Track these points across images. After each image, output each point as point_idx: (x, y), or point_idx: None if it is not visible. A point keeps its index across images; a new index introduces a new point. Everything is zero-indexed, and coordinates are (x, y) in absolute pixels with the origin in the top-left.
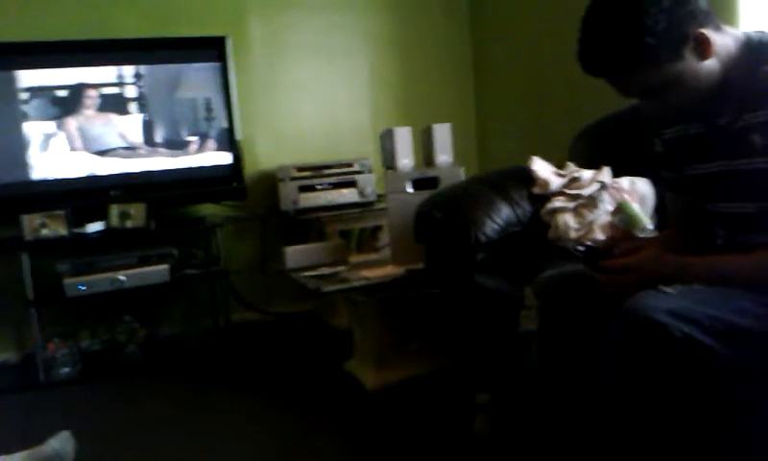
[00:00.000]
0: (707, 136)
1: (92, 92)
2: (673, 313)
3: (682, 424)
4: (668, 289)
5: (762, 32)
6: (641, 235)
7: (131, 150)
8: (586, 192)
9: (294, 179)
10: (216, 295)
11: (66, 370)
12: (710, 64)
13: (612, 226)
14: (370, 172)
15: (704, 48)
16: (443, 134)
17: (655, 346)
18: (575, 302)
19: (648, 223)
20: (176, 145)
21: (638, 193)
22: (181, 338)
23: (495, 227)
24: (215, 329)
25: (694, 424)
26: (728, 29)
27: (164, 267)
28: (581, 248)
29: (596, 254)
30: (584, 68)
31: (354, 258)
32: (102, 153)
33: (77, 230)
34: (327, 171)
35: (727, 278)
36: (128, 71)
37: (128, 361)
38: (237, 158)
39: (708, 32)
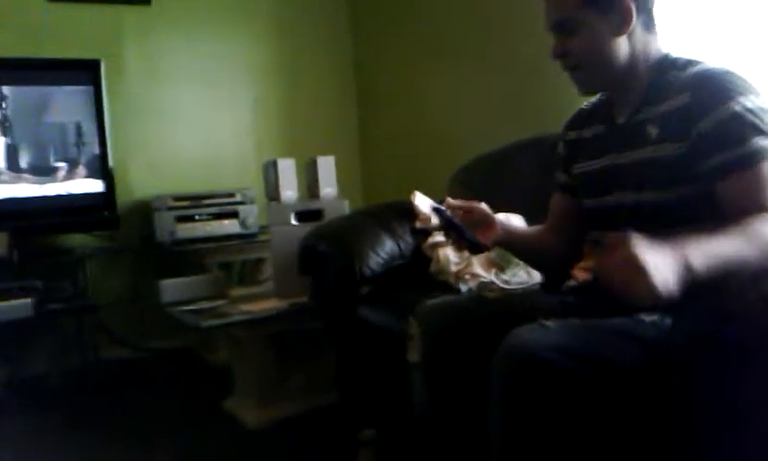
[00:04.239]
0: (603, 135)
1: None
2: (555, 348)
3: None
4: (547, 323)
5: (684, 56)
6: (515, 270)
7: None
8: None
9: (171, 208)
10: (84, 331)
11: None
12: (621, 45)
13: (488, 260)
14: (252, 203)
15: (623, 22)
16: (327, 167)
17: (538, 381)
18: (458, 330)
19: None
20: (43, 171)
21: None
22: (47, 377)
23: (380, 260)
24: (84, 367)
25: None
26: (656, 39)
27: (27, 301)
28: (435, 205)
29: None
30: None
31: (235, 292)
32: None
33: None
34: (207, 201)
35: (728, 261)
36: None
37: None
38: (109, 186)
39: (634, 14)
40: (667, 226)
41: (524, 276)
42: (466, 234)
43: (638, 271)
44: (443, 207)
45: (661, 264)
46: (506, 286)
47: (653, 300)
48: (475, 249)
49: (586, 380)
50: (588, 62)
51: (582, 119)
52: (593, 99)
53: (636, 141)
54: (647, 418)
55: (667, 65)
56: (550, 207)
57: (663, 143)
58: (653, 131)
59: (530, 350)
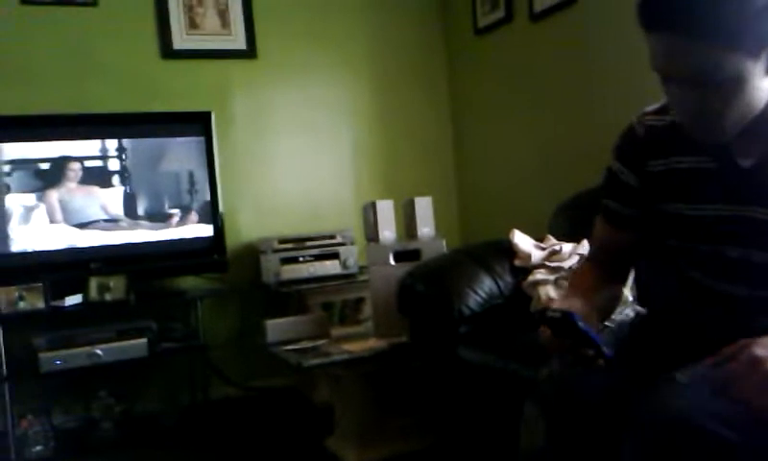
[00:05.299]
0: (719, 174)
1: (75, 165)
2: (713, 415)
3: None
4: (682, 378)
5: None
6: (622, 308)
7: (112, 222)
8: (566, 265)
9: (276, 251)
10: (195, 370)
11: (39, 448)
12: (765, 84)
13: None
14: (352, 244)
15: None
16: (424, 207)
17: (691, 449)
18: (583, 408)
19: (629, 295)
20: (158, 217)
21: None
22: (158, 415)
23: (478, 299)
24: (193, 406)
25: None
26: None
27: (142, 341)
28: (556, 314)
29: (571, 326)
30: (644, 10)
31: (336, 331)
32: (83, 225)
33: (55, 303)
34: (310, 243)
35: None
36: (111, 145)
37: (103, 438)
38: (219, 231)
39: None
40: None
41: (632, 313)
42: (603, 349)
43: None
44: (575, 315)
45: None
46: (610, 324)
47: None
48: (608, 362)
49: (735, 444)
50: (729, 118)
51: (663, 144)
52: (661, 112)
53: None
54: None
55: None
56: (599, 240)
57: None
58: None
59: (688, 417)
